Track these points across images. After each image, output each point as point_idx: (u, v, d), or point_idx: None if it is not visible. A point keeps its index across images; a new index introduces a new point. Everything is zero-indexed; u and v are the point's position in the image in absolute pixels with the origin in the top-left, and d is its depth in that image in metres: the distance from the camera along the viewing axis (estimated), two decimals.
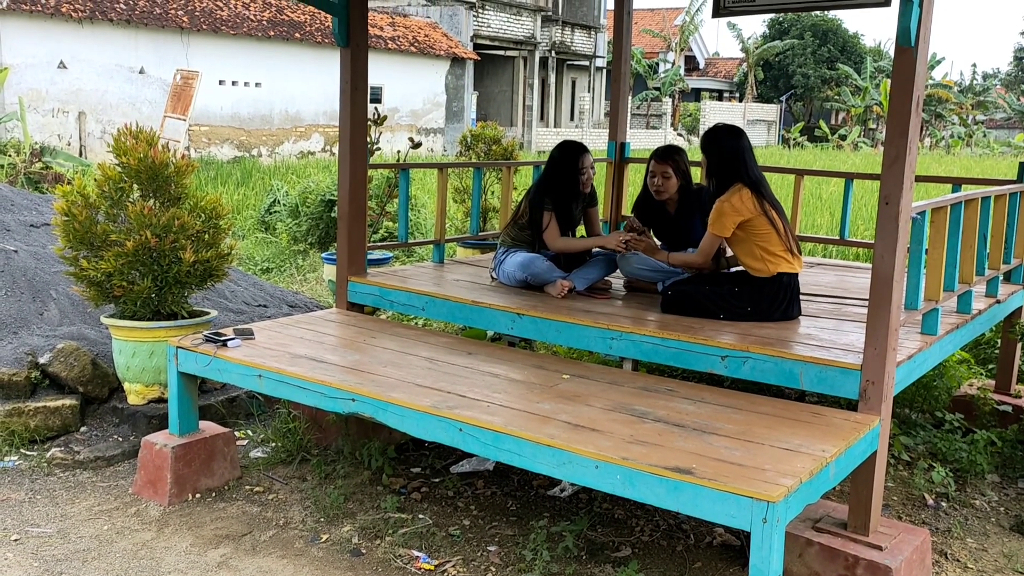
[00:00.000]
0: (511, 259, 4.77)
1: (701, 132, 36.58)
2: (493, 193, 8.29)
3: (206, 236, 4.63)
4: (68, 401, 4.56)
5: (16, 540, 3.57)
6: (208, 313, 4.75)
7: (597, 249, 4.91)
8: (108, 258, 4.36)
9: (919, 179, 5.35)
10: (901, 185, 3.14)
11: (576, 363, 4.13)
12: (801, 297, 4.30)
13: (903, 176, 3.12)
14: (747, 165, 4.17)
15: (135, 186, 4.58)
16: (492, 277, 4.95)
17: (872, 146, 39.31)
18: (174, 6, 20.52)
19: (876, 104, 41.66)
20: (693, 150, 4.42)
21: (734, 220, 4.07)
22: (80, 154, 17.94)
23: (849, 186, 5.90)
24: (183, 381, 4.03)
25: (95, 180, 4.61)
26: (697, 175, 4.90)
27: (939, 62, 45.34)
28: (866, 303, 3.33)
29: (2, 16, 16.97)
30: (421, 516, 3.83)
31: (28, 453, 4.35)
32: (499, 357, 3.99)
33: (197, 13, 20.85)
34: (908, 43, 3.07)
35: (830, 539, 3.24)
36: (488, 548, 3.58)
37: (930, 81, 44.66)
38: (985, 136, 41.84)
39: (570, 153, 4.85)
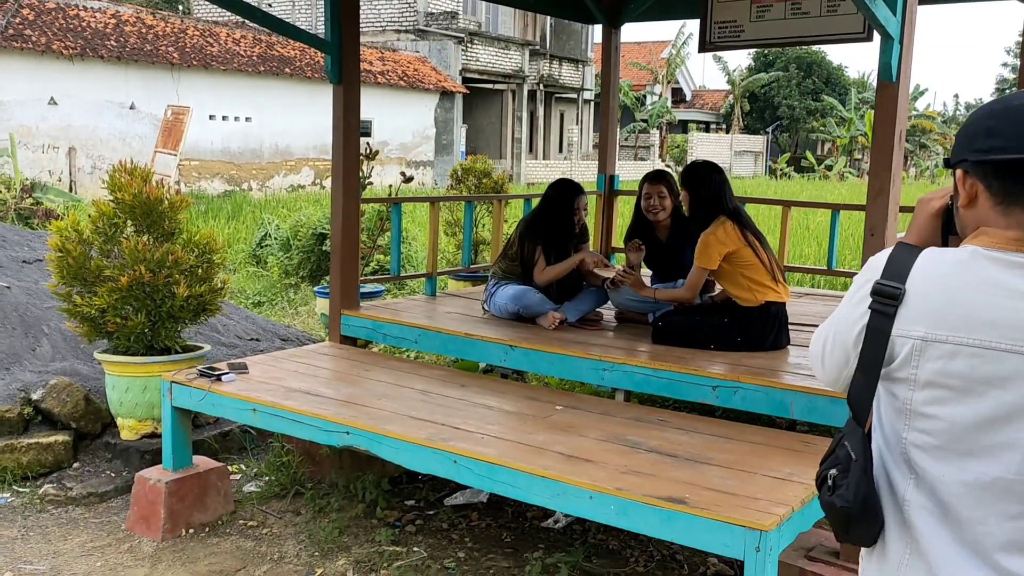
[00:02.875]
0: (502, 291, 4.82)
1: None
2: (484, 226, 8.36)
3: (199, 271, 4.66)
4: (61, 437, 4.55)
5: None
6: (201, 347, 4.76)
7: (587, 282, 4.97)
8: (102, 293, 4.38)
9: (904, 210, 5.42)
10: (886, 217, 3.21)
11: (569, 394, 4.16)
12: (790, 327, 4.36)
13: (887, 208, 3.19)
14: (727, 198, 4.29)
15: (129, 222, 4.61)
16: (484, 309, 4.99)
17: (858, 176, 39.70)
18: (165, 43, 20.68)
19: (861, 135, 42.15)
20: None
21: (720, 252, 4.15)
22: (70, 189, 17.97)
23: (836, 217, 5.99)
24: (177, 416, 4.03)
25: (89, 216, 4.64)
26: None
27: (922, 93, 45.99)
28: None
29: None
30: (416, 549, 3.83)
31: (20, 489, 4.34)
32: (492, 389, 4.02)
33: (187, 49, 21.01)
34: (890, 79, 3.15)
35: (823, 568, 3.25)
36: None
37: (914, 112, 45.22)
38: None
39: (566, 193, 4.90)
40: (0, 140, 15.50)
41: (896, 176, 3.21)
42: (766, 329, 4.17)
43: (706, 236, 4.20)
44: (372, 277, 6.77)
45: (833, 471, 1.46)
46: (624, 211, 8.13)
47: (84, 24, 19.35)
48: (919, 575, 1.37)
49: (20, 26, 17.74)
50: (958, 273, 1.33)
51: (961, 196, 1.40)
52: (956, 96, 73.21)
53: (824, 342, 1.52)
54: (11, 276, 5.84)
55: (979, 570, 1.31)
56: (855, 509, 1.42)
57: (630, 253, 4.75)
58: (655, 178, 4.86)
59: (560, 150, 38.59)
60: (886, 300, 1.36)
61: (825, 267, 6.29)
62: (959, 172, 1.39)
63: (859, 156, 44.92)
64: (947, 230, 1.50)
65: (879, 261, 1.41)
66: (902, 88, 3.17)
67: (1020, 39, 5.61)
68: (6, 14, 17.65)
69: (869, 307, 1.38)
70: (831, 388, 1.58)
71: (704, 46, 5.98)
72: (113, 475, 4.51)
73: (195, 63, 20.64)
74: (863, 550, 1.50)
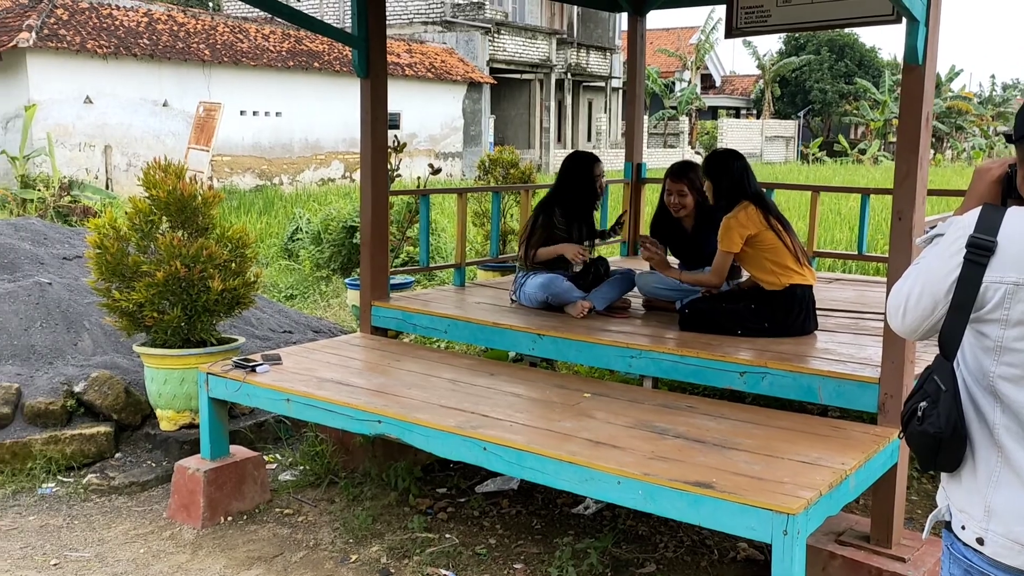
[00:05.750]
0: (531, 280, 4.85)
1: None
2: (512, 216, 8.39)
3: (233, 265, 4.75)
4: (103, 428, 4.68)
5: (55, 565, 3.67)
6: (236, 340, 4.86)
7: (615, 268, 5.00)
8: (139, 288, 4.48)
9: (934, 193, 5.38)
10: (913, 200, 3.19)
11: (596, 382, 4.19)
12: (820, 312, 4.35)
13: (915, 191, 3.18)
14: (750, 183, 4.31)
15: (164, 218, 4.71)
16: (512, 299, 5.03)
17: (892, 159, 39.18)
18: (196, 40, 20.91)
19: (895, 117, 41.53)
20: None
21: (741, 235, 4.16)
22: (106, 187, 18.27)
23: (865, 202, 5.94)
24: (214, 406, 4.13)
25: (126, 213, 4.74)
26: None
27: (957, 74, 45.20)
28: (883, 317, 3.38)
29: (30, 54, 17.38)
30: (448, 536, 3.89)
31: (65, 480, 4.47)
32: (520, 377, 4.06)
33: (218, 46, 21.23)
34: (916, 61, 3.13)
35: (853, 552, 3.27)
36: (514, 566, 3.63)
37: (949, 93, 44.48)
38: (1006, 147, 41.57)
39: (583, 161, 5.00)
40: (38, 139, 15.79)
41: (923, 159, 3.19)
42: (792, 313, 4.16)
43: (727, 220, 4.22)
44: (401, 268, 6.84)
45: (923, 404, 1.66)
46: (652, 199, 8.11)
47: (117, 23, 19.62)
48: (1011, 487, 1.60)
49: (55, 26, 18.04)
50: None
51: None
52: (992, 77, 72.02)
53: (908, 295, 1.68)
54: (52, 272, 5.98)
55: None
56: (946, 434, 1.62)
57: (644, 252, 4.68)
58: (676, 175, 4.83)
59: (588, 139, 38.48)
60: (980, 252, 1.57)
61: (856, 252, 6.24)
62: None
63: (894, 139, 44.28)
64: (1006, 195, 1.69)
65: (969, 220, 1.61)
66: (928, 70, 3.14)
67: None
68: (41, 14, 17.94)
69: (964, 258, 1.58)
70: (908, 338, 1.76)
71: (731, 31, 5.94)
72: (153, 465, 4.62)
73: (226, 59, 20.86)
74: (944, 476, 1.72)
